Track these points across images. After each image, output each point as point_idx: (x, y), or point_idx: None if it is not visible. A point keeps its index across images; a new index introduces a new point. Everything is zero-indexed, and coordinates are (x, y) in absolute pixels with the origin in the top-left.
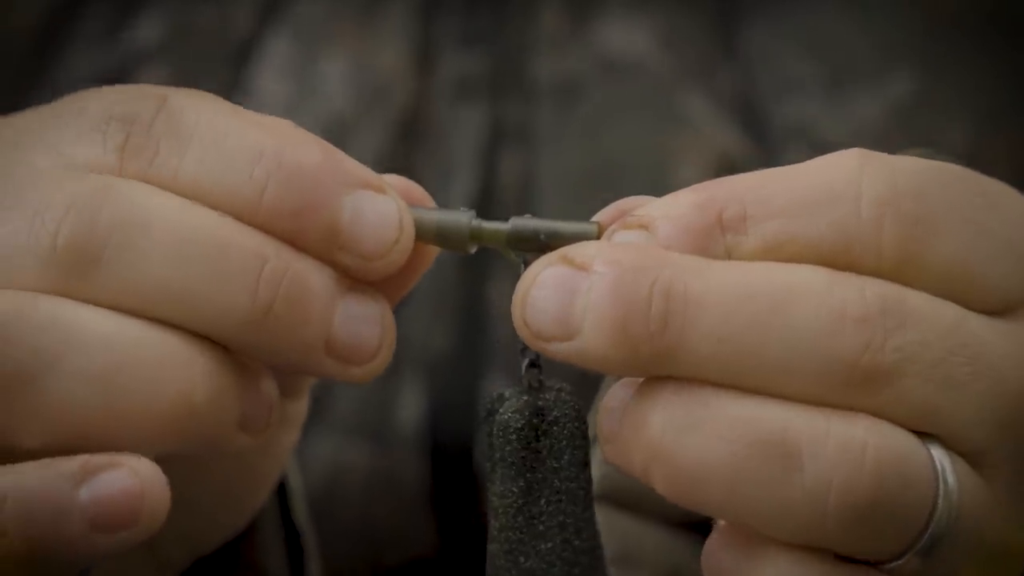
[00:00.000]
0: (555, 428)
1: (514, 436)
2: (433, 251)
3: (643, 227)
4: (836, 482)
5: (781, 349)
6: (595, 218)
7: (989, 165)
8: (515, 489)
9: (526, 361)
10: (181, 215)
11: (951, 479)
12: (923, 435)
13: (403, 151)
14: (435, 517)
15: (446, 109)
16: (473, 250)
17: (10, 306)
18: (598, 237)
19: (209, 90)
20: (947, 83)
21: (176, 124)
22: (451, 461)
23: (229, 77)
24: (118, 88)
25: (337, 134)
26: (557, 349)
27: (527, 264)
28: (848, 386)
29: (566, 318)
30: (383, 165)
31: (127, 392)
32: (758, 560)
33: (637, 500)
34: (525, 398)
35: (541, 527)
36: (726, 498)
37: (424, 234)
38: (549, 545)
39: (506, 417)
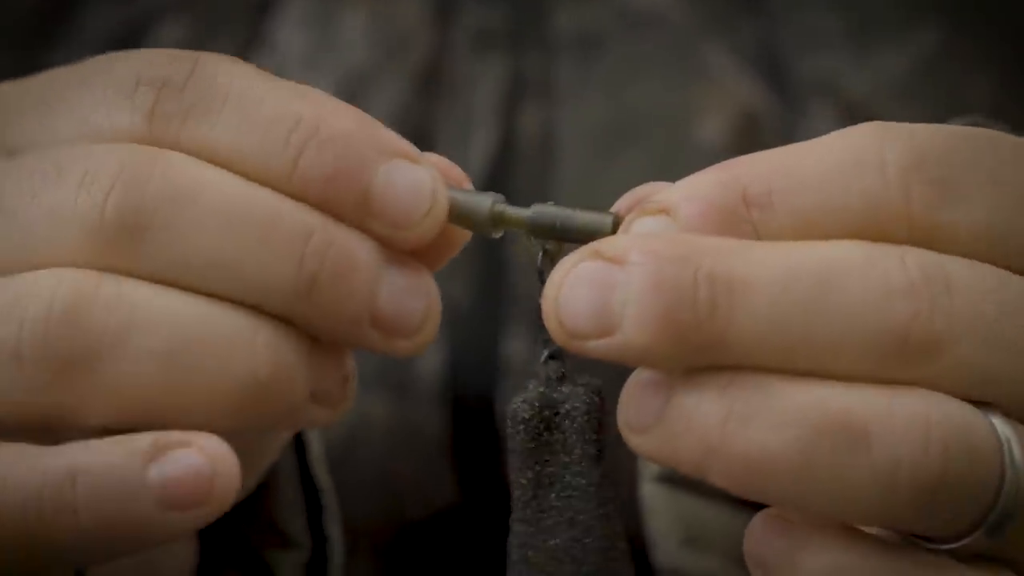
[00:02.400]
0: (566, 422)
1: (521, 427)
2: (463, 236)
3: (663, 212)
4: (905, 461)
5: (830, 327)
6: (612, 208)
7: (1013, 117)
8: (523, 481)
9: (545, 353)
10: (229, 187)
11: (1016, 450)
12: (981, 406)
13: (423, 104)
14: (455, 470)
15: (466, 62)
16: (498, 235)
17: (73, 287)
18: (615, 227)
19: (228, 43)
20: (972, 35)
21: (209, 89)
22: (471, 413)
23: (248, 30)
24: (148, 51)
25: (356, 87)
26: (595, 346)
27: (546, 251)
28: (902, 359)
29: (604, 314)
30: (402, 118)
31: (192, 370)
32: (806, 548)
33: (700, 480)
34: (541, 390)
35: (549, 522)
36: (792, 486)
37: (450, 213)
38: (556, 542)
39: (514, 407)
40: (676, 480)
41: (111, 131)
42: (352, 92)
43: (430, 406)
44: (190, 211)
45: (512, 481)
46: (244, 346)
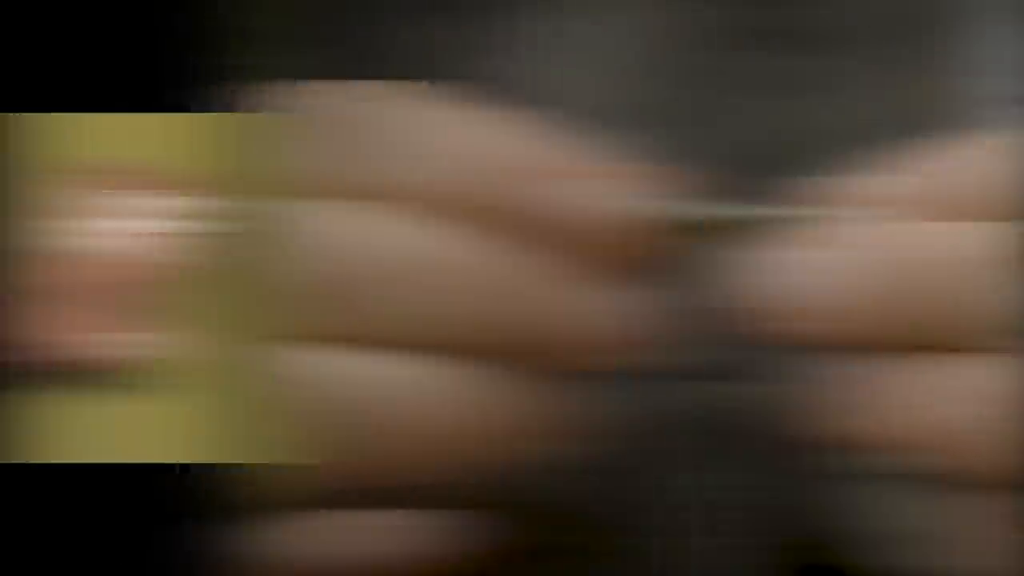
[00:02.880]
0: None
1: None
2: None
3: (862, 205)
4: None
5: None
6: (809, 204)
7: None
8: None
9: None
10: None
11: None
12: None
13: None
14: None
15: None
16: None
17: None
18: (811, 223)
19: None
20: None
21: None
22: None
23: None
24: None
25: None
26: (801, 330)
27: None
28: None
29: (806, 299)
30: None
31: None
32: None
33: None
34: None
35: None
36: None
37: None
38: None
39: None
40: None
41: None
42: None
43: None
44: None
45: None
46: None
